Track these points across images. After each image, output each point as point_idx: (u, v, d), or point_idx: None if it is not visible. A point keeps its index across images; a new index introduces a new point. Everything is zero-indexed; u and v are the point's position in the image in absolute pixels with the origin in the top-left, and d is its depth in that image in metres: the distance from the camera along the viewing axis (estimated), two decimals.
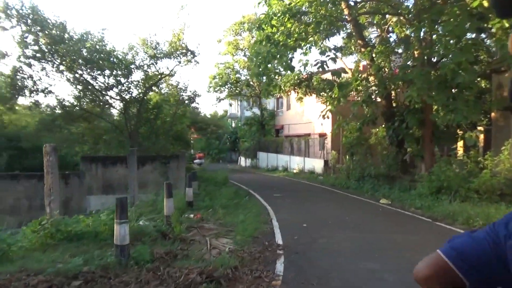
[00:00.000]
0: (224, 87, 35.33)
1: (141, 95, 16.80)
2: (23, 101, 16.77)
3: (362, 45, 15.58)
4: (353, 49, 18.33)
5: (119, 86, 16.32)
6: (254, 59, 14.26)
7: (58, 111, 17.23)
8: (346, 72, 17.51)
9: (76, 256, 5.55)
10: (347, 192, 14.99)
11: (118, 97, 16.49)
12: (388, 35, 17.38)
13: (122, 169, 15.24)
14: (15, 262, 5.20)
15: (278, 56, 13.46)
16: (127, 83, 16.40)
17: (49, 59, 14.84)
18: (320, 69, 14.24)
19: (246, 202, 12.14)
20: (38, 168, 16.61)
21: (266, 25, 13.06)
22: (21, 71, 15.06)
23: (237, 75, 34.28)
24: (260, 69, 14.05)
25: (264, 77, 15.32)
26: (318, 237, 7.63)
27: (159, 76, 17.53)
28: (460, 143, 14.74)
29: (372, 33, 19.87)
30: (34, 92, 15.72)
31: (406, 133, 14.41)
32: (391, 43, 16.97)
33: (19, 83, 15.22)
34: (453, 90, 12.19)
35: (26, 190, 14.56)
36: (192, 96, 19.29)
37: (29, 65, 15.05)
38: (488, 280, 0.97)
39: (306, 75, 19.71)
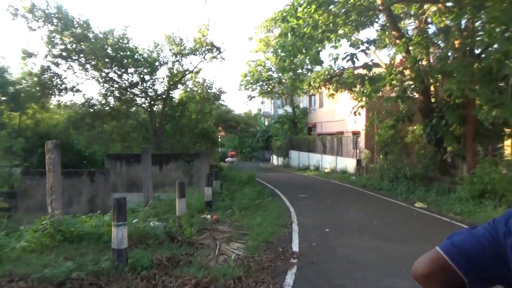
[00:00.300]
0: (255, 85, 34.83)
1: (165, 92, 16.62)
2: (57, 99, 17.07)
3: (396, 37, 14.55)
4: (387, 41, 17.23)
5: (143, 84, 16.22)
6: (280, 52, 13.59)
7: (87, 109, 17.41)
8: (380, 66, 16.49)
9: (73, 260, 5.22)
10: (379, 194, 14.03)
11: (142, 95, 16.40)
12: (427, 27, 16.20)
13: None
14: (5, 265, 4.91)
15: (304, 49, 12.73)
16: (151, 80, 16.28)
17: (75, 57, 14.96)
18: (351, 63, 13.40)
19: (269, 202, 11.54)
20: (66, 165, 16.86)
21: (291, 17, 12.36)
22: (49, 70, 15.29)
23: (269, 73, 33.65)
24: (286, 64, 13.38)
25: (291, 72, 14.61)
26: (339, 245, 6.92)
27: (184, 73, 17.27)
28: (507, 142, 13.40)
29: (409, 25, 18.66)
30: (64, 91, 15.95)
31: (445, 130, 13.26)
32: (430, 35, 15.78)
33: (48, 82, 15.46)
34: (498, 83, 11.01)
35: None
36: (218, 93, 18.92)
37: (56, 64, 15.26)
38: (487, 277, 0.96)
39: (337, 71, 18.81)
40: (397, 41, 14.42)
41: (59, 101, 16.64)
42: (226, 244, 6.75)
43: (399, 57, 17.64)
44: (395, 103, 14.80)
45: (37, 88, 15.42)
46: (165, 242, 6.64)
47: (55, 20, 13.99)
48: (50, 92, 15.80)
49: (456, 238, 1.03)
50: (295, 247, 6.72)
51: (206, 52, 16.64)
